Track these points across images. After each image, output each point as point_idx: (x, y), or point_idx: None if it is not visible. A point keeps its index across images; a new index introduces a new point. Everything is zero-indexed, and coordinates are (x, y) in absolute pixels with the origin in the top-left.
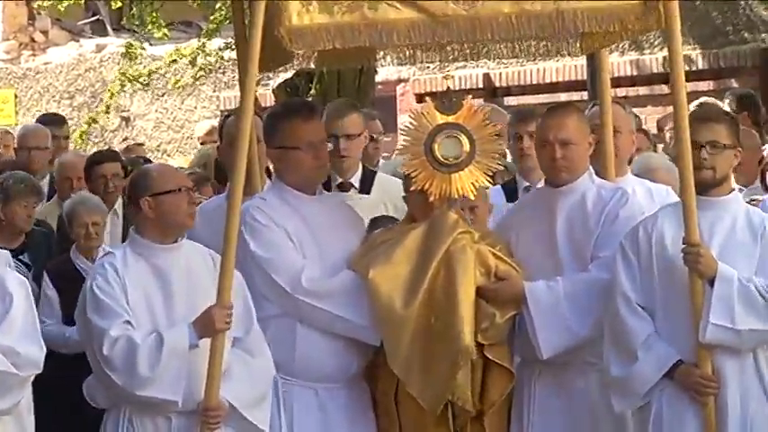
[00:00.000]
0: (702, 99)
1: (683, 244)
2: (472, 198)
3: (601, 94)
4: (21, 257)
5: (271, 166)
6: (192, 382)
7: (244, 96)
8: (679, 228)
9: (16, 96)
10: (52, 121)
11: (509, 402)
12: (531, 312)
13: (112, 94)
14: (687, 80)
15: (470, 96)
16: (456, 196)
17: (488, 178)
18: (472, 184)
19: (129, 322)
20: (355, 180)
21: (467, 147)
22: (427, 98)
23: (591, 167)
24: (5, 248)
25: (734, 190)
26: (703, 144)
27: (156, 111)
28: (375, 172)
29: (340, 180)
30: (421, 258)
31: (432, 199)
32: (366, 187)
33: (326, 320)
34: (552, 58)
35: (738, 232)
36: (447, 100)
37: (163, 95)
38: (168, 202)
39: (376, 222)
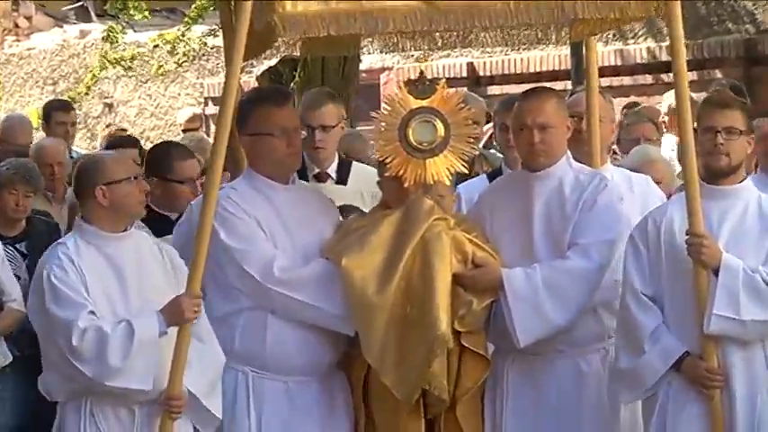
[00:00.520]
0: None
1: (686, 234)
2: (447, 183)
3: (588, 83)
4: (17, 246)
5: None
6: (157, 371)
7: (228, 83)
8: (686, 219)
9: (0, 82)
10: (59, 106)
11: (482, 390)
12: (508, 300)
13: (94, 75)
14: (670, 71)
15: (444, 80)
16: (431, 182)
17: (464, 164)
18: (447, 169)
19: (93, 312)
20: (332, 170)
21: (441, 131)
22: (401, 83)
23: (569, 152)
24: (2, 235)
25: (746, 178)
26: (719, 130)
27: (140, 97)
28: (351, 162)
29: (317, 170)
30: (395, 245)
31: (406, 185)
32: (343, 177)
33: (299, 310)
34: (539, 46)
35: (749, 221)
36: (421, 84)
37: (146, 82)
38: (122, 190)
39: (340, 212)
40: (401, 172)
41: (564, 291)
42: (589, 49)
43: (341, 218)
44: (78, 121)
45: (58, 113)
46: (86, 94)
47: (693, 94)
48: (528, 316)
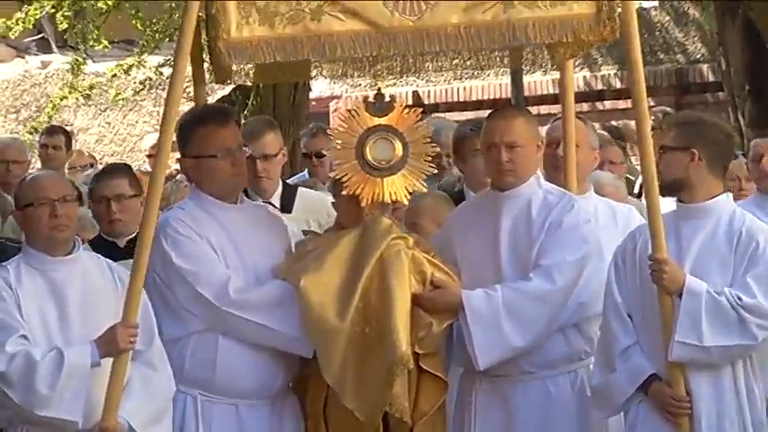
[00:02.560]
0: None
1: (649, 259)
2: (405, 203)
3: (564, 108)
4: None
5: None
6: (92, 399)
7: (168, 108)
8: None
9: None
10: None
11: (441, 413)
12: (468, 322)
13: (54, 105)
14: (606, 99)
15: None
16: (389, 200)
17: (422, 182)
18: (405, 188)
19: (25, 336)
20: (275, 199)
21: (399, 150)
22: (358, 101)
23: (539, 173)
24: None
25: (719, 194)
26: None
27: (99, 125)
28: (296, 188)
29: (260, 201)
30: (353, 265)
31: (363, 204)
32: (288, 205)
33: (255, 332)
34: (483, 75)
35: (717, 240)
36: (379, 102)
37: (105, 110)
38: (29, 215)
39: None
40: (358, 190)
41: (524, 312)
42: (565, 75)
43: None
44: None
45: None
46: (48, 121)
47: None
48: (487, 338)
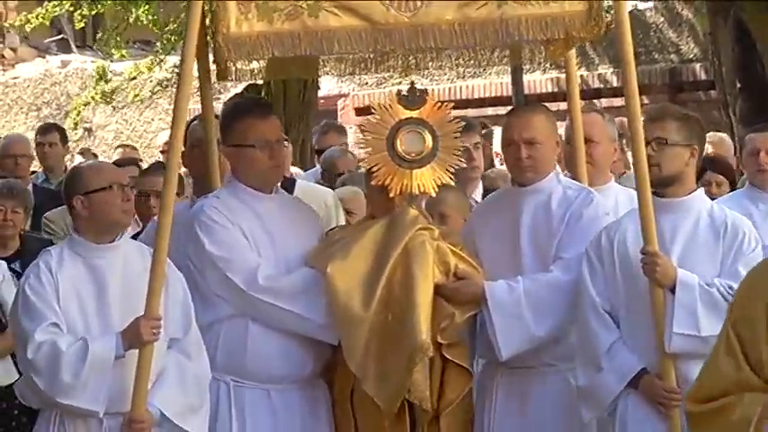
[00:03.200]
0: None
1: (641, 253)
2: (433, 194)
3: (570, 102)
4: (12, 265)
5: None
6: (118, 388)
7: (180, 95)
8: (640, 233)
9: None
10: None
11: (467, 404)
12: (490, 313)
13: (78, 111)
14: (602, 96)
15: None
16: (417, 192)
17: (450, 175)
18: (433, 180)
19: (56, 324)
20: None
21: (429, 143)
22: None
23: (558, 167)
24: None
25: (696, 190)
26: (650, 141)
27: (117, 122)
28: (295, 180)
29: None
30: (380, 254)
31: (392, 195)
32: None
33: (283, 319)
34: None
35: (701, 233)
36: (411, 95)
37: (123, 108)
38: (100, 199)
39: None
40: (387, 181)
41: (545, 304)
42: (569, 70)
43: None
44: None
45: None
46: (66, 118)
47: (624, 119)
48: (510, 328)
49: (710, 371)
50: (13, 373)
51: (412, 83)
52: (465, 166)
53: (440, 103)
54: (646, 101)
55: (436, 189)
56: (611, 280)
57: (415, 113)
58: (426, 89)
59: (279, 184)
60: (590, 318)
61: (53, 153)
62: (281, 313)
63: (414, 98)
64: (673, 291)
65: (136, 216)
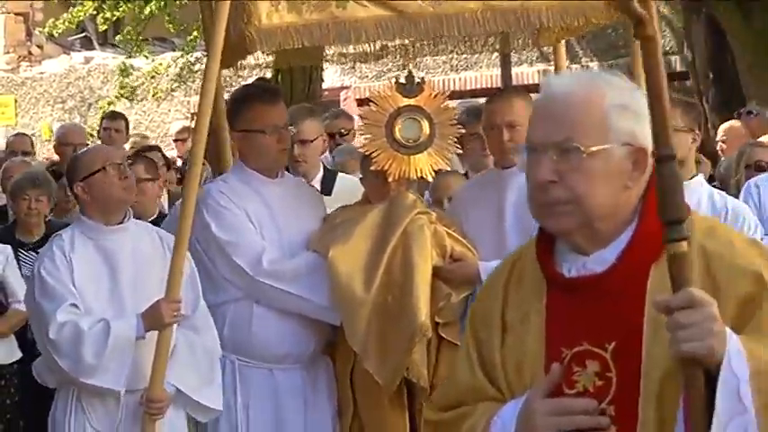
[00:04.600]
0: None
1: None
2: (430, 180)
3: None
4: (38, 251)
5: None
6: (138, 365)
7: (205, 90)
8: None
9: (16, 101)
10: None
11: None
12: None
13: (103, 109)
14: None
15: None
16: (414, 177)
17: (447, 161)
18: (430, 165)
19: (75, 305)
20: (316, 182)
21: (426, 129)
22: (390, 83)
23: None
24: (23, 242)
25: (696, 175)
26: None
27: (136, 113)
28: (336, 173)
29: None
30: (379, 238)
31: (390, 180)
32: (328, 188)
33: (287, 301)
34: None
35: None
36: (409, 83)
37: (141, 100)
38: (98, 181)
39: None
40: (386, 167)
41: None
42: (557, 58)
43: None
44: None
45: (104, 121)
46: (89, 110)
47: None
48: None
49: (450, 376)
50: (16, 352)
51: (409, 71)
52: (460, 152)
53: (436, 92)
54: None
55: (433, 174)
56: None
57: (412, 101)
58: (423, 77)
59: (285, 167)
60: None
61: (118, 138)
62: (285, 296)
63: (411, 86)
64: None
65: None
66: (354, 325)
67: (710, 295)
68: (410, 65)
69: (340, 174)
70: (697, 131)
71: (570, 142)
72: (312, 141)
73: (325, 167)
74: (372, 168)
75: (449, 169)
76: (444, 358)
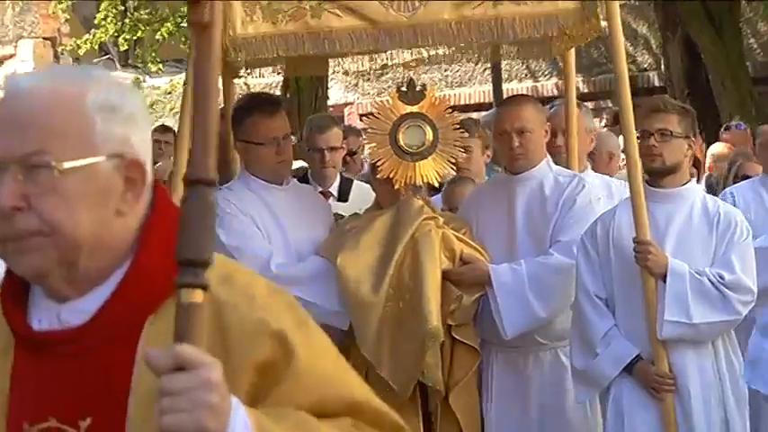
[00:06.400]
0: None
1: (633, 242)
2: (435, 184)
3: (566, 95)
4: None
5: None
6: None
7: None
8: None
9: None
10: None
11: (474, 380)
12: (495, 294)
13: None
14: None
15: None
16: (420, 183)
17: (451, 166)
18: (435, 171)
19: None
20: (334, 189)
21: (430, 136)
22: (392, 92)
23: (548, 155)
24: None
25: (690, 180)
26: (652, 132)
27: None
28: (352, 181)
29: (320, 189)
30: (388, 243)
31: (397, 186)
32: (344, 195)
33: None
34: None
35: (695, 222)
36: (411, 91)
37: (160, 117)
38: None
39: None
40: (392, 174)
41: (547, 285)
42: (567, 63)
43: (333, 217)
44: None
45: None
46: None
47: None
48: (514, 309)
49: None
50: None
51: (411, 79)
52: (465, 155)
53: (438, 98)
54: (610, 104)
55: (439, 179)
56: (606, 268)
57: (415, 108)
58: (425, 84)
59: (290, 175)
60: (585, 306)
61: (167, 150)
62: None
63: (413, 94)
64: (664, 279)
65: None
66: (365, 330)
67: (221, 357)
68: (411, 72)
69: (356, 181)
70: (692, 138)
71: (40, 156)
72: (339, 148)
73: (341, 175)
74: (379, 177)
75: (453, 174)
76: (459, 359)
